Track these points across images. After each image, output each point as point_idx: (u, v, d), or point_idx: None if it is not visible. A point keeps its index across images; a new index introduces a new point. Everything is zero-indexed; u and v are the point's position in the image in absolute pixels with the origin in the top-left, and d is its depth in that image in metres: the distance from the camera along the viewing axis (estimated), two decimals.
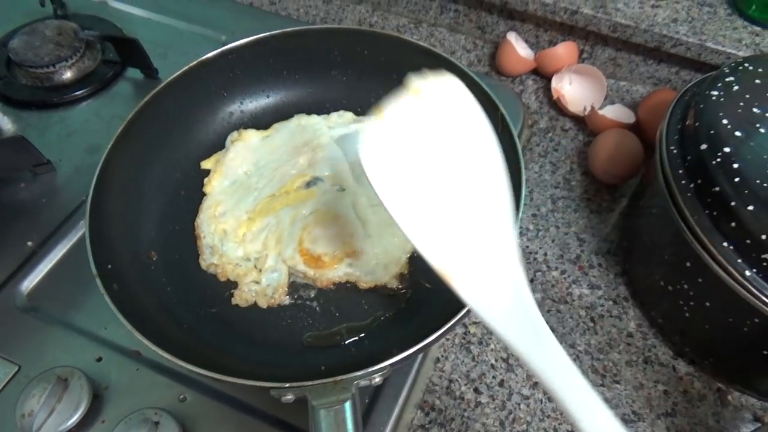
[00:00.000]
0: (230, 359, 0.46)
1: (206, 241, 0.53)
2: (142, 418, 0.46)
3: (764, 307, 0.42)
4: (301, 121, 0.60)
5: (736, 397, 0.52)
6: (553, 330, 0.54)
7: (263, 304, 0.50)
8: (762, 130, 0.45)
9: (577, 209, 0.64)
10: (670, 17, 0.68)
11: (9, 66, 0.71)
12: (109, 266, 0.46)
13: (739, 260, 0.43)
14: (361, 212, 0.53)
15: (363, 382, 0.38)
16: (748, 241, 0.42)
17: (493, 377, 0.52)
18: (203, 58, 0.58)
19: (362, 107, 0.62)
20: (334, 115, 0.61)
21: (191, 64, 0.57)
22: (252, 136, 0.59)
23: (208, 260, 0.53)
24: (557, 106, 0.71)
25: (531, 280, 0.58)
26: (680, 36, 0.66)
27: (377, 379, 0.38)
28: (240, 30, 0.77)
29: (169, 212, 0.55)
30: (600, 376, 0.53)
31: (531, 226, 0.62)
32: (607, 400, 0.51)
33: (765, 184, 0.42)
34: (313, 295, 0.51)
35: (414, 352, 0.39)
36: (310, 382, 0.37)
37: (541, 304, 0.57)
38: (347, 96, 0.62)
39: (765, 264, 0.41)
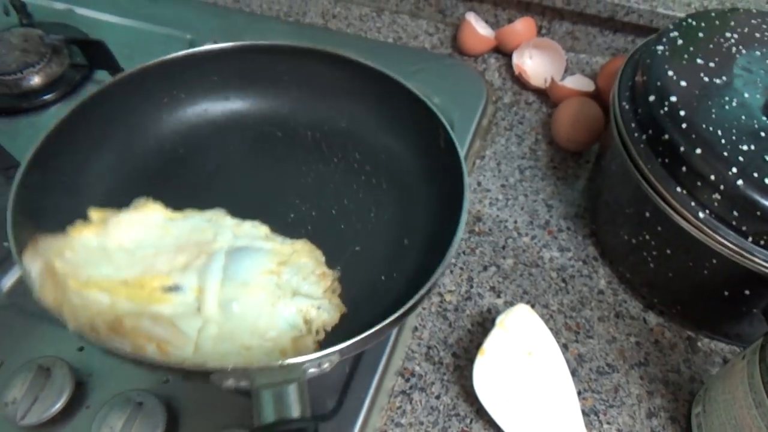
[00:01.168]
0: None
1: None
2: (125, 399, 0.46)
3: (719, 246, 0.44)
4: (215, 217, 0.52)
5: (706, 344, 0.54)
6: (525, 292, 0.56)
7: None
8: (705, 79, 0.47)
9: (544, 177, 0.65)
10: None
11: None
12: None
13: (693, 203, 0.44)
14: (203, 345, 0.43)
15: (312, 369, 0.37)
16: (699, 184, 0.44)
17: (470, 341, 0.54)
18: (151, 62, 0.56)
19: (284, 223, 0.53)
20: (247, 224, 0.52)
21: (134, 69, 0.55)
22: (158, 212, 0.51)
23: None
24: (520, 81, 0.73)
25: (502, 247, 0.60)
26: (631, 4, 0.68)
27: (325, 365, 0.37)
28: (205, 29, 0.79)
29: None
30: (574, 333, 0.54)
31: (500, 196, 0.64)
32: (581, 355, 0.52)
33: (710, 128, 0.44)
34: None
35: (361, 340, 0.38)
36: (258, 366, 0.37)
37: (513, 269, 0.58)
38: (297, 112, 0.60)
39: (716, 204, 0.43)
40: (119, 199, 0.51)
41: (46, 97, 0.70)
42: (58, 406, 0.46)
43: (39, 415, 0.46)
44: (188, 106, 0.60)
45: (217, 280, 0.46)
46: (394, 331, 0.53)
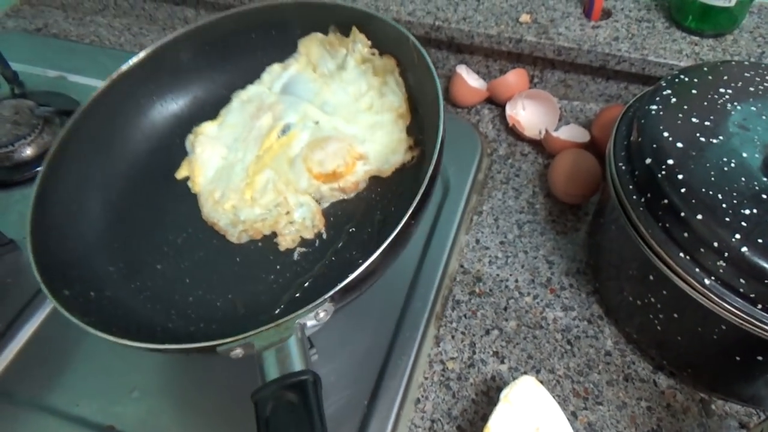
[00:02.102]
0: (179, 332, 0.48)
1: (222, 223, 0.54)
2: None
3: (726, 314, 0.42)
4: (241, 96, 0.63)
5: (720, 406, 0.52)
6: (530, 357, 0.55)
7: (309, 235, 0.52)
8: (702, 139, 0.46)
9: (543, 232, 0.64)
10: (611, 36, 0.70)
11: None
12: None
13: (697, 270, 0.43)
14: (345, 130, 0.56)
15: (308, 322, 0.39)
16: (702, 250, 0.42)
17: (475, 412, 0.52)
18: (121, 70, 0.61)
19: (279, 54, 0.64)
20: (264, 76, 0.63)
21: (111, 78, 0.60)
22: (207, 127, 0.61)
23: (235, 233, 0.53)
24: (514, 133, 0.73)
25: (504, 308, 0.58)
26: (623, 53, 0.68)
27: (321, 315, 0.40)
28: None
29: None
30: (582, 400, 0.52)
31: (500, 254, 0.62)
32: (591, 424, 0.50)
33: (710, 192, 0.42)
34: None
35: (348, 283, 0.40)
36: (252, 332, 0.38)
37: (516, 332, 0.56)
38: (267, 54, 0.64)
39: (722, 271, 0.42)
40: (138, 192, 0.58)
41: (38, 169, 0.69)
42: None
43: None
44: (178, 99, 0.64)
45: (304, 102, 0.58)
46: (396, 406, 0.51)
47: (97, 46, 0.91)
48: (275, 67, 0.64)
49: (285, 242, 0.52)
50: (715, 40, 0.68)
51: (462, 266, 0.61)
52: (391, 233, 0.41)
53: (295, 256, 0.52)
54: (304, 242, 0.52)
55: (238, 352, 0.39)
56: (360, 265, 0.40)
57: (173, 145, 0.62)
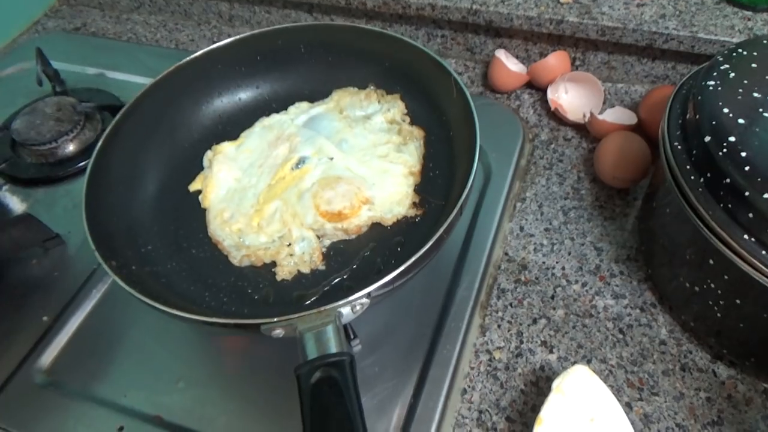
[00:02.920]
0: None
1: (227, 244, 0.55)
2: None
3: None
4: (264, 122, 0.64)
5: None
6: (580, 346, 0.53)
7: (306, 269, 0.52)
8: (765, 114, 0.43)
9: (590, 218, 0.62)
10: (657, 13, 0.67)
11: (14, 147, 0.72)
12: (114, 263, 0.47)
13: (764, 252, 0.41)
14: (357, 170, 0.57)
15: (345, 311, 0.42)
16: None
17: (524, 403, 0.50)
18: (179, 63, 0.62)
19: (312, 94, 0.67)
20: (291, 109, 0.65)
21: (170, 68, 0.62)
22: (226, 147, 0.62)
23: (238, 256, 0.54)
24: (556, 117, 0.70)
25: (551, 297, 0.56)
26: (670, 31, 0.65)
27: (357, 308, 0.42)
28: None
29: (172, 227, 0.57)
30: (637, 390, 0.50)
31: (545, 241, 0.60)
32: (647, 415, 0.48)
33: None
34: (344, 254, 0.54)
35: (389, 281, 0.42)
36: (295, 315, 0.41)
37: (565, 321, 0.55)
38: (303, 85, 0.67)
39: None
40: (178, 179, 0.60)
41: (81, 164, 0.71)
42: None
43: None
44: (223, 97, 0.67)
45: (322, 137, 0.59)
46: (443, 396, 0.50)
47: (134, 43, 0.92)
48: (303, 104, 0.66)
49: (282, 272, 0.52)
50: None
51: (506, 254, 0.60)
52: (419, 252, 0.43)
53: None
54: (300, 275, 0.52)
55: (279, 332, 0.41)
56: (382, 269, 0.44)
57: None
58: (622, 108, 0.69)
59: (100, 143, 0.55)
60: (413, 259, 0.42)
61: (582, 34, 0.69)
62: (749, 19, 0.65)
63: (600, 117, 0.65)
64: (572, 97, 0.71)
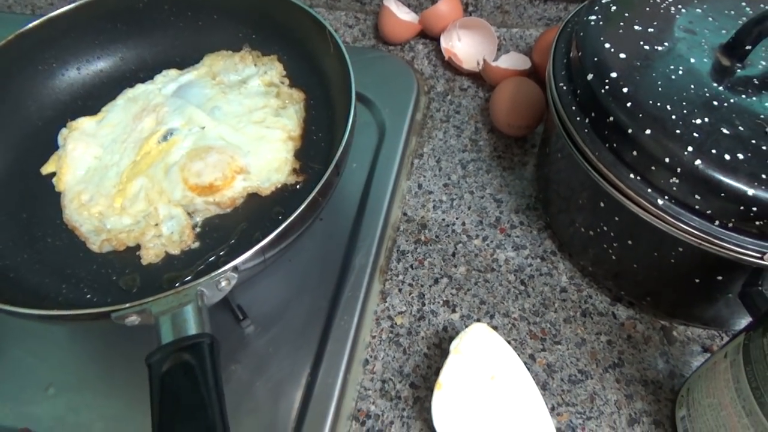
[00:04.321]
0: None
1: (85, 229, 0.49)
2: None
3: (683, 234, 0.39)
4: (128, 94, 0.58)
5: (682, 332, 0.49)
6: (483, 302, 0.51)
7: (175, 250, 0.47)
8: (646, 48, 0.42)
9: (489, 170, 0.60)
10: None
11: None
12: None
13: (649, 190, 0.39)
14: (230, 139, 0.52)
15: (208, 288, 0.38)
16: (653, 168, 0.39)
17: (428, 367, 0.48)
18: (21, 30, 0.55)
19: (183, 59, 0.60)
20: (158, 78, 0.59)
21: (9, 36, 0.55)
22: (84, 123, 0.56)
23: (97, 242, 0.48)
24: (452, 67, 0.67)
25: (452, 255, 0.54)
26: None
27: (223, 284, 0.38)
28: None
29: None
30: (540, 341, 0.49)
31: (444, 197, 0.58)
32: (550, 365, 0.48)
33: (658, 104, 0.39)
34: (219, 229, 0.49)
35: (258, 251, 0.39)
36: (148, 298, 0.37)
37: (467, 278, 0.53)
38: (172, 51, 0.61)
39: (675, 189, 0.38)
40: (29, 161, 0.53)
41: None
42: None
43: None
44: (81, 69, 0.60)
45: (192, 106, 0.54)
46: (342, 370, 0.47)
47: None
48: (172, 72, 0.59)
49: (148, 256, 0.47)
50: None
51: (405, 214, 0.57)
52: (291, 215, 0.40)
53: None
54: (170, 257, 0.47)
55: (134, 318, 0.37)
56: (259, 240, 0.39)
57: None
58: (517, 53, 0.66)
59: None
60: (283, 226, 0.38)
61: None
62: None
63: (493, 64, 0.62)
64: (466, 45, 0.68)
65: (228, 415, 0.33)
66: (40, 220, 0.49)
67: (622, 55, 0.41)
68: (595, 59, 0.42)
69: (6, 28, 0.56)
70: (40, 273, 0.45)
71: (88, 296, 0.44)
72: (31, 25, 0.56)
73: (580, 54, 0.43)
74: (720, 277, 0.41)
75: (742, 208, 0.36)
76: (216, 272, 0.37)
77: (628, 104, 0.39)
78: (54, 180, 0.51)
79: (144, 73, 0.59)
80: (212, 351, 0.34)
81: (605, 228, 0.46)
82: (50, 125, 0.56)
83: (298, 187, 0.50)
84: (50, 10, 0.78)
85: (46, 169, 0.52)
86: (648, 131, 0.38)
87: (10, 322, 0.49)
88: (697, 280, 0.43)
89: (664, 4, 0.45)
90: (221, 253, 0.46)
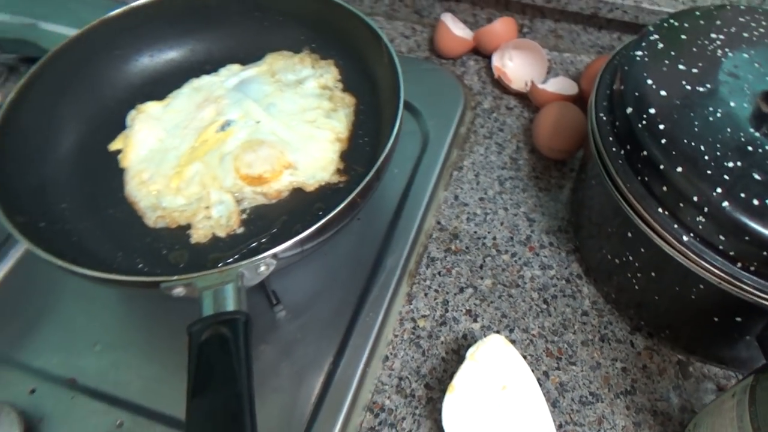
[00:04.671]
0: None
1: (143, 205, 0.53)
2: None
3: (705, 273, 0.40)
4: (194, 84, 0.62)
5: (698, 368, 0.50)
6: (504, 316, 0.53)
7: (222, 233, 0.51)
8: (688, 87, 0.43)
9: (525, 189, 0.62)
10: None
11: None
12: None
13: (675, 226, 0.41)
14: (282, 135, 0.55)
15: (248, 271, 0.41)
16: (681, 205, 0.40)
17: (444, 370, 0.50)
18: (105, 16, 0.60)
19: (246, 56, 0.64)
20: (222, 71, 0.63)
21: (94, 22, 0.59)
22: (151, 107, 0.60)
23: (152, 217, 0.52)
24: (500, 85, 0.69)
25: (480, 266, 0.56)
26: (615, 0, 0.64)
27: (262, 268, 0.41)
28: None
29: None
30: (555, 359, 0.51)
31: (478, 211, 0.60)
32: (563, 384, 0.49)
33: (692, 143, 0.40)
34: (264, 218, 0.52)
35: (297, 242, 0.41)
36: (195, 274, 0.40)
37: (491, 290, 0.55)
38: (237, 47, 0.65)
39: (701, 227, 0.39)
40: (99, 138, 0.58)
41: None
42: None
43: None
44: (153, 56, 0.64)
45: (250, 100, 0.57)
46: (362, 363, 0.50)
47: None
48: (235, 66, 0.63)
49: (197, 235, 0.51)
50: None
51: (439, 223, 0.59)
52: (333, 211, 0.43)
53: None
54: (216, 239, 0.51)
55: (180, 290, 0.40)
56: (299, 232, 0.42)
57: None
58: (566, 78, 0.68)
59: (12, 95, 0.52)
60: (322, 221, 0.41)
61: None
62: None
63: (541, 86, 0.64)
64: (516, 65, 0.70)
65: (254, 388, 0.36)
66: (104, 192, 0.53)
67: (663, 93, 0.43)
68: (636, 94, 0.43)
69: (92, 14, 0.61)
70: (100, 240, 0.50)
71: (140, 266, 0.48)
72: (113, 13, 0.60)
73: (622, 87, 0.45)
74: (739, 319, 0.42)
75: (765, 253, 0.37)
76: (257, 257, 0.40)
77: (663, 141, 0.40)
78: (119, 157, 0.56)
79: (210, 65, 0.64)
80: (246, 328, 0.37)
81: (631, 257, 0.47)
82: (121, 106, 0.60)
83: (340, 186, 0.53)
84: (132, 0, 0.84)
85: (113, 146, 0.57)
86: (679, 169, 0.39)
87: (69, 282, 0.54)
88: (716, 319, 0.44)
89: (712, 46, 0.46)
90: (263, 241, 0.49)
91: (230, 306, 0.38)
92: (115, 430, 0.47)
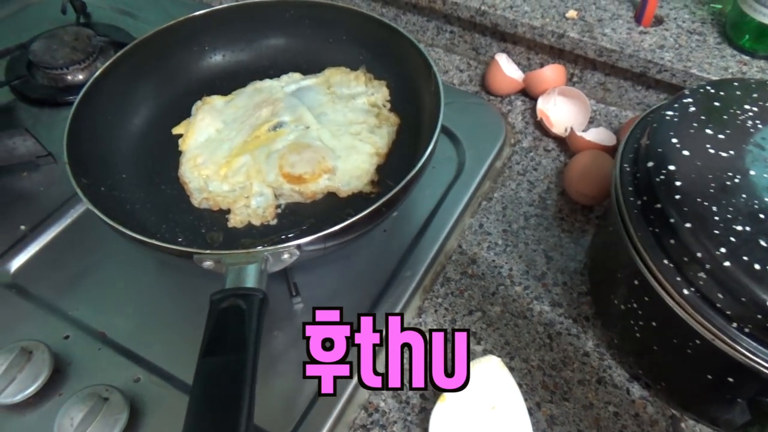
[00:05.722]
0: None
1: (192, 186, 0.59)
2: (92, 393, 0.48)
3: (700, 328, 0.41)
4: (256, 85, 0.68)
5: (690, 426, 0.51)
6: (507, 343, 0.55)
7: (257, 222, 0.56)
8: (711, 151, 0.45)
9: (549, 227, 0.64)
10: (657, 43, 0.68)
11: (29, 67, 0.77)
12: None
13: (678, 278, 0.42)
14: (327, 142, 0.61)
15: (272, 256, 0.45)
16: (685, 259, 0.42)
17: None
18: (189, 15, 0.67)
19: (308, 67, 0.71)
20: (284, 77, 0.69)
21: (180, 19, 0.66)
22: (215, 100, 0.66)
23: (198, 198, 0.58)
24: (542, 127, 0.72)
25: (492, 293, 0.58)
26: (665, 62, 0.66)
27: (285, 256, 0.45)
28: None
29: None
30: (550, 393, 0.52)
31: (500, 241, 0.63)
32: (553, 417, 0.50)
33: (705, 203, 0.42)
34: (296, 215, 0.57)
35: (319, 238, 0.45)
36: (225, 251, 0.45)
37: (499, 317, 0.57)
38: (301, 58, 0.71)
39: (701, 283, 0.41)
40: (165, 121, 0.65)
41: None
42: (33, 389, 0.49)
43: (12, 396, 0.48)
44: (226, 56, 0.72)
45: (304, 107, 0.63)
46: None
47: None
48: (296, 75, 0.69)
49: (234, 220, 0.56)
50: (767, 63, 0.66)
51: (460, 246, 0.62)
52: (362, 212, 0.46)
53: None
54: (251, 226, 0.56)
55: (210, 264, 0.45)
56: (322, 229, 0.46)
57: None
58: (606, 129, 0.70)
59: (98, 72, 0.59)
60: (346, 222, 0.45)
61: (581, 51, 0.70)
62: (745, 64, 0.66)
63: (579, 133, 0.66)
64: (560, 111, 0.72)
65: (258, 366, 0.40)
66: (161, 170, 0.59)
67: (686, 152, 0.45)
68: (659, 150, 0.45)
69: (179, 11, 0.68)
70: (149, 211, 0.55)
71: (180, 239, 0.53)
72: (198, 13, 0.67)
73: (648, 142, 0.47)
74: (731, 379, 0.43)
75: (760, 316, 0.39)
76: (282, 245, 0.44)
77: (677, 196, 0.42)
78: (180, 140, 0.62)
79: (274, 70, 0.69)
80: (261, 305, 0.41)
81: (635, 305, 0.49)
82: (189, 95, 0.67)
83: (371, 196, 0.57)
84: (216, 3, 0.92)
85: (176, 130, 0.63)
86: (688, 224, 0.41)
87: (115, 246, 0.59)
88: (709, 377, 0.45)
89: (743, 117, 0.47)
90: (291, 235, 0.54)
91: (251, 283, 0.42)
92: (132, 384, 0.51)
